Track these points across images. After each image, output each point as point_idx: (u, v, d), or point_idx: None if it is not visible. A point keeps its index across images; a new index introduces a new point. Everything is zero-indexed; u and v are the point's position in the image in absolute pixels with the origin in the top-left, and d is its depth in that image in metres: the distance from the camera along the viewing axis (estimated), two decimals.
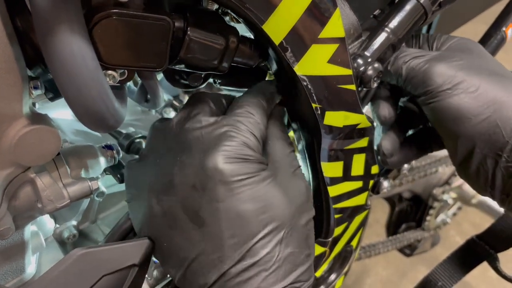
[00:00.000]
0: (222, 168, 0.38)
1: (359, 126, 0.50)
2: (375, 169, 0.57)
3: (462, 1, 0.61)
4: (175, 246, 0.41)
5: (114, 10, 0.34)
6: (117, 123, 0.37)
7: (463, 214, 1.63)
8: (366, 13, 0.54)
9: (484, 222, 1.89)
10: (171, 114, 0.74)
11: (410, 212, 1.47)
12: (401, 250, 1.58)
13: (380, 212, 1.83)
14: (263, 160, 0.41)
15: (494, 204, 1.40)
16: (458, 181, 1.38)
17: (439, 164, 1.22)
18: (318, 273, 0.64)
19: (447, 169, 1.29)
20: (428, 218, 1.41)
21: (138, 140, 0.60)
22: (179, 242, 0.40)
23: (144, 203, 0.43)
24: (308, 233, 0.43)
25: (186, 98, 0.79)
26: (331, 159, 0.51)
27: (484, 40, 0.71)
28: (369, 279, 1.74)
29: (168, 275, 0.52)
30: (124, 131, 0.62)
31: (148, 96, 0.48)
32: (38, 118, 0.38)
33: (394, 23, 0.49)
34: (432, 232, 1.48)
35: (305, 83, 0.43)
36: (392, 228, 1.50)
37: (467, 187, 1.41)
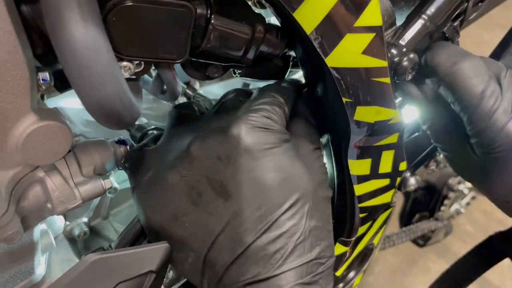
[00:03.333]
0: (246, 136, 0.38)
1: (390, 122, 0.46)
2: (403, 166, 0.53)
3: None
4: (198, 224, 0.39)
5: None
6: (133, 119, 0.34)
7: (474, 203, 1.61)
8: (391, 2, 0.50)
9: (495, 211, 1.87)
10: None
11: (424, 202, 1.44)
12: (414, 241, 1.56)
13: None
14: (286, 133, 0.41)
15: None
16: None
17: None
18: (339, 273, 0.61)
19: None
20: (442, 208, 1.38)
21: (151, 131, 0.57)
22: (203, 218, 0.39)
23: (161, 185, 0.41)
24: (328, 212, 0.42)
25: (198, 86, 0.76)
26: (359, 156, 0.47)
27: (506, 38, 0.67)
28: (378, 267, 1.73)
29: (181, 269, 0.50)
30: (136, 123, 0.59)
31: (164, 87, 0.44)
32: (47, 114, 0.35)
33: (431, 9, 0.44)
34: (445, 222, 1.45)
35: (336, 76, 0.40)
36: (406, 218, 1.47)
37: None
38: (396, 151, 0.51)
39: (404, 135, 0.50)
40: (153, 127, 0.58)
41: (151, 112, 0.68)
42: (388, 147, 0.49)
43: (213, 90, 0.83)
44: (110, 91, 0.30)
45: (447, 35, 0.51)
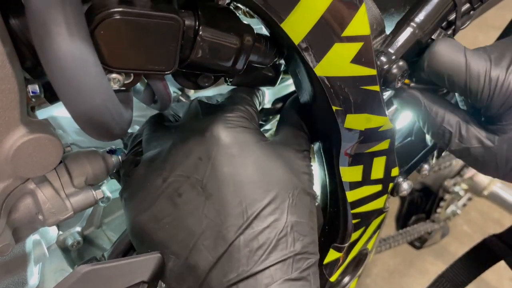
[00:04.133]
0: (225, 135, 0.40)
1: (381, 129, 0.46)
2: (395, 172, 0.54)
3: None
4: (178, 225, 0.39)
5: (118, 9, 0.31)
6: (123, 131, 0.34)
7: (471, 203, 1.61)
8: (381, 8, 0.50)
9: (492, 211, 1.88)
10: None
11: (420, 204, 1.44)
12: (411, 243, 1.56)
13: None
14: (262, 133, 0.43)
15: (506, 195, 1.37)
16: (469, 172, 1.35)
17: (453, 157, 1.19)
18: (333, 278, 0.61)
19: (459, 161, 1.26)
20: (438, 210, 1.38)
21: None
22: (184, 219, 0.39)
23: (144, 189, 0.42)
24: (311, 209, 0.42)
25: (192, 92, 0.76)
26: (351, 163, 0.48)
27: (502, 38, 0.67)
28: (375, 269, 1.73)
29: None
30: (129, 131, 0.59)
31: (156, 97, 0.45)
32: (37, 126, 0.35)
33: (420, 17, 0.45)
34: (442, 224, 1.46)
35: (325, 85, 0.40)
36: (402, 220, 1.47)
37: (479, 178, 1.39)
38: (388, 157, 0.51)
39: (395, 141, 0.50)
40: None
41: (144, 119, 0.68)
42: (379, 153, 0.50)
43: (208, 95, 0.83)
44: (99, 104, 0.30)
45: None
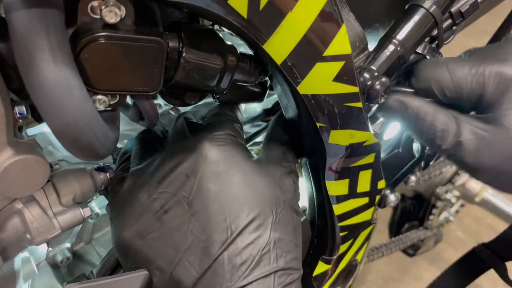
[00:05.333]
0: (213, 153, 0.41)
1: (366, 144, 0.47)
2: (381, 184, 0.54)
3: None
4: (164, 241, 0.40)
5: (102, 33, 0.31)
6: (109, 151, 0.35)
7: (464, 209, 1.62)
8: (366, 23, 0.51)
9: (485, 217, 1.89)
10: None
11: (413, 211, 1.45)
12: (404, 251, 1.57)
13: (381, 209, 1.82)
14: (248, 150, 0.44)
15: (498, 202, 1.38)
16: (461, 179, 1.36)
17: (443, 165, 1.20)
18: None
19: (450, 169, 1.27)
20: (431, 217, 1.39)
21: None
22: (169, 235, 0.40)
23: (130, 205, 0.42)
24: (295, 226, 0.43)
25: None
26: (336, 177, 0.48)
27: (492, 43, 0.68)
28: (370, 276, 1.73)
29: None
30: (119, 146, 0.59)
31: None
32: (23, 147, 0.36)
33: (402, 34, 0.46)
34: (435, 231, 1.47)
35: (309, 102, 0.41)
36: (395, 227, 1.48)
37: (471, 185, 1.40)
38: (374, 170, 0.52)
39: (380, 154, 0.51)
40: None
41: (135, 133, 0.68)
42: (365, 167, 0.50)
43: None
44: (83, 127, 0.30)
45: (427, 57, 0.52)
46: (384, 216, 1.70)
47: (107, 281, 0.38)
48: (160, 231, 0.40)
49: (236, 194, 0.39)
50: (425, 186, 1.35)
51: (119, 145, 0.60)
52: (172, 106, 0.72)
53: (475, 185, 1.39)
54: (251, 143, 0.67)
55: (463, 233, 1.88)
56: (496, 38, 0.69)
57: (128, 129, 0.69)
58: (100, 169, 0.45)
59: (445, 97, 0.44)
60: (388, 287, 1.69)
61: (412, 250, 1.53)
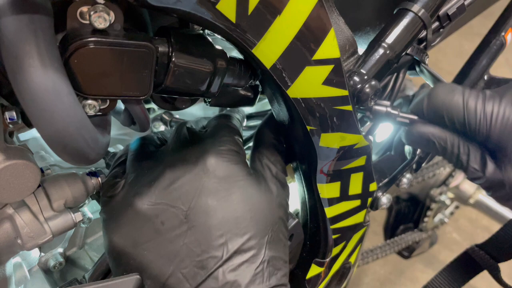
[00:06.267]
0: (216, 167, 0.41)
1: (356, 146, 0.47)
2: (373, 187, 0.55)
3: None
4: (158, 252, 0.40)
5: (92, 39, 0.31)
6: (99, 156, 0.35)
7: (459, 210, 1.63)
8: (356, 27, 0.52)
9: (480, 218, 1.89)
10: (161, 128, 0.72)
11: (408, 213, 1.45)
12: (399, 253, 1.57)
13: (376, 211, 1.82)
14: (247, 165, 0.44)
15: (492, 203, 1.38)
16: (455, 181, 1.36)
17: (436, 168, 1.20)
18: None
19: (444, 171, 1.28)
20: (425, 219, 1.39)
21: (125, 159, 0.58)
22: (164, 246, 0.40)
23: (126, 212, 0.42)
24: (285, 243, 0.44)
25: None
26: (328, 180, 0.48)
27: (482, 46, 0.69)
28: (366, 278, 1.73)
29: None
30: (112, 150, 0.59)
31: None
32: (14, 152, 0.36)
33: (391, 37, 0.46)
34: (430, 233, 1.47)
35: (299, 105, 0.41)
36: (390, 229, 1.48)
37: (465, 187, 1.40)
38: (365, 172, 0.52)
39: (371, 157, 0.51)
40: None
41: (127, 137, 0.68)
42: (356, 169, 0.51)
43: (192, 111, 0.83)
44: (72, 132, 0.30)
45: (415, 57, 0.52)
46: (379, 218, 1.70)
47: (99, 286, 0.37)
48: (155, 241, 0.40)
49: (235, 212, 0.40)
50: (419, 188, 1.35)
51: (111, 149, 0.60)
52: (164, 110, 0.72)
53: (469, 187, 1.39)
54: (245, 147, 0.68)
55: (459, 234, 1.88)
56: (487, 40, 0.70)
57: (120, 133, 0.69)
58: (92, 174, 0.45)
59: (453, 127, 0.44)
60: None
61: (407, 252, 1.53)
